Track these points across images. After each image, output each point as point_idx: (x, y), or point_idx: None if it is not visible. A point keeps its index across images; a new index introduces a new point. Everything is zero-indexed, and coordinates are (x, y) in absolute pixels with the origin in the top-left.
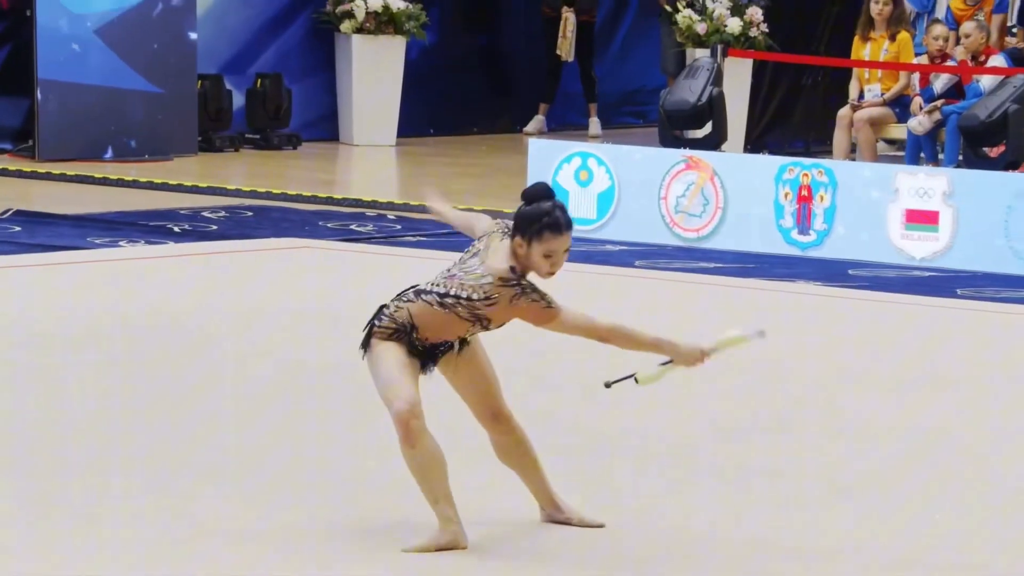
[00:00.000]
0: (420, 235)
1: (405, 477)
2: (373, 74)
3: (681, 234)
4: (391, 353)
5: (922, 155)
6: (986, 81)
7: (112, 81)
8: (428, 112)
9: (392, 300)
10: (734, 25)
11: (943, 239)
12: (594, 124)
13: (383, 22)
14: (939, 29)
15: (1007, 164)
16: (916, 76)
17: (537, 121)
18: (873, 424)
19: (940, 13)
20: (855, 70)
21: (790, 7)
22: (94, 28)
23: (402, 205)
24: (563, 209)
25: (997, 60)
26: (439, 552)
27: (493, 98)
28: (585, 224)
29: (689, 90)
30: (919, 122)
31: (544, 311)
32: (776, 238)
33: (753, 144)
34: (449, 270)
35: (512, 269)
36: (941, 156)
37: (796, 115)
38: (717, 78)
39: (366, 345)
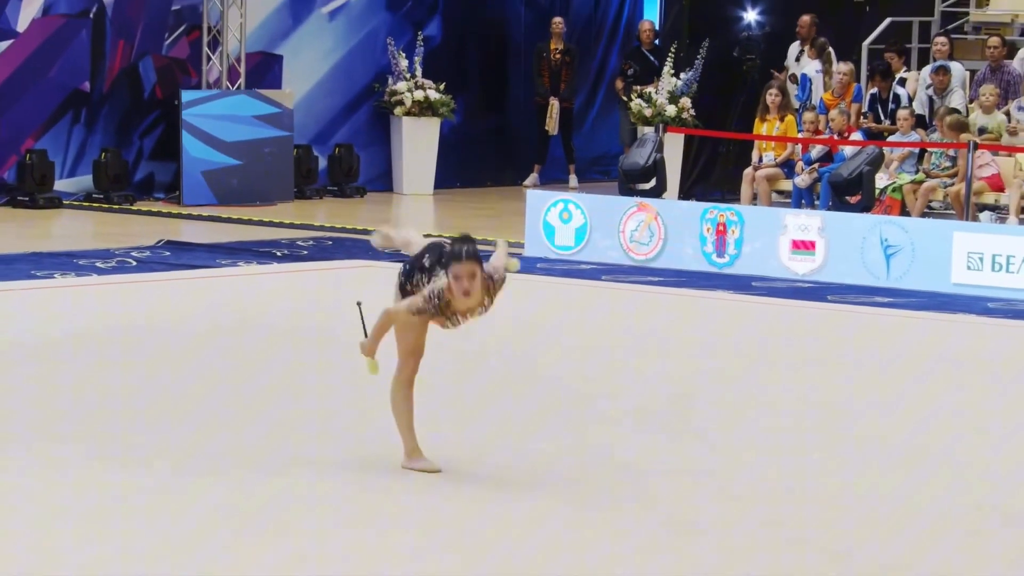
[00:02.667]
0: None
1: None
2: (417, 144)
3: (634, 257)
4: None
5: (803, 202)
6: (848, 150)
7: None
8: (455, 170)
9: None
10: (671, 110)
11: (818, 260)
12: (573, 179)
13: (424, 108)
14: (810, 115)
15: (862, 208)
16: (799, 146)
17: (532, 177)
18: (767, 391)
19: (815, 100)
20: (756, 142)
21: (710, 98)
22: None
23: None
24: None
25: (856, 135)
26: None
27: (501, 160)
28: (567, 250)
29: (640, 155)
30: (802, 179)
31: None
32: (701, 260)
33: (685, 193)
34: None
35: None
36: (817, 203)
37: (715, 173)
38: (659, 147)
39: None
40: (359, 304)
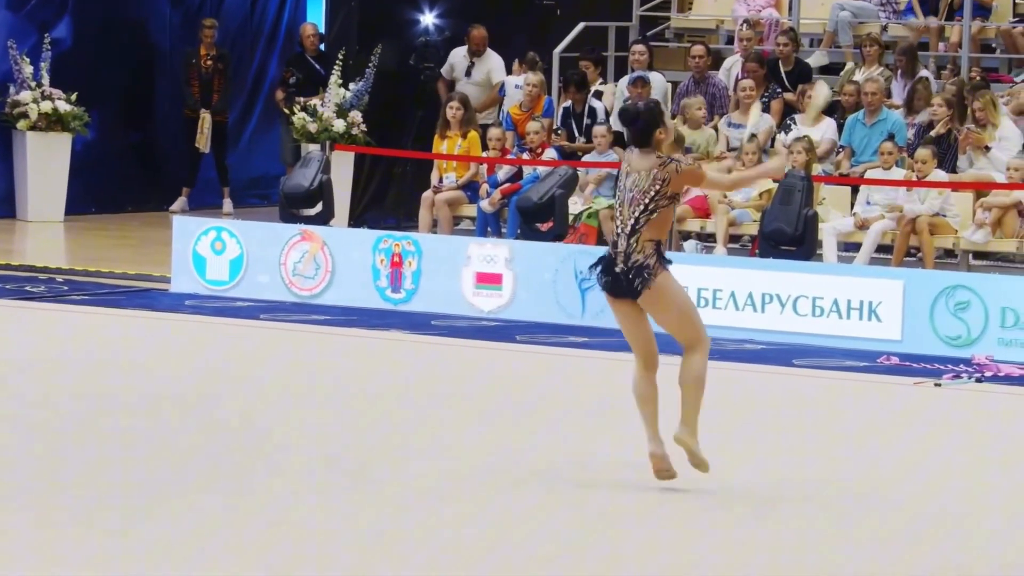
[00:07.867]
0: (84, 294)
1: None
2: (44, 163)
3: (297, 292)
4: (674, 283)
5: (489, 229)
6: (541, 170)
7: None
8: (90, 194)
9: (630, 244)
10: (340, 125)
11: (506, 296)
12: (227, 204)
13: (53, 121)
14: (496, 131)
15: (555, 236)
16: (484, 166)
17: (180, 201)
18: (441, 437)
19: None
20: (436, 161)
21: (383, 111)
22: None
23: (68, 270)
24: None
25: (549, 153)
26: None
27: (144, 182)
28: (219, 285)
29: (304, 177)
30: (487, 203)
31: (697, 172)
32: (374, 296)
33: (355, 220)
34: (622, 201)
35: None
36: (504, 230)
37: (389, 197)
38: (326, 167)
39: (647, 282)
40: None
